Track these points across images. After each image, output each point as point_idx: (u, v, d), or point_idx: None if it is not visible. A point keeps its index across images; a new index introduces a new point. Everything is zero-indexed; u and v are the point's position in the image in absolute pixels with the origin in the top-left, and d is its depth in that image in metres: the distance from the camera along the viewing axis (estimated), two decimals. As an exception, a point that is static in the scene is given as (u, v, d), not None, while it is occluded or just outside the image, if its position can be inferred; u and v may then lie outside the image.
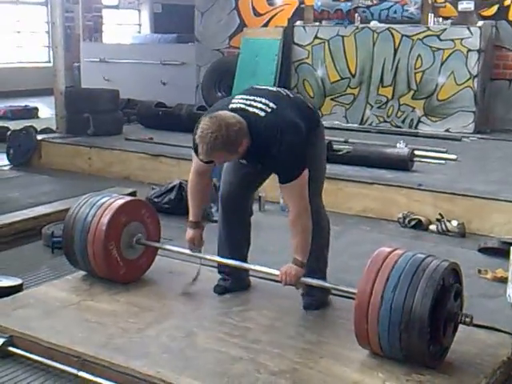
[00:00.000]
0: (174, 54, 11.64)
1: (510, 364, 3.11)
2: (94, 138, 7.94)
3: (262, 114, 3.21)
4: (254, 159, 3.34)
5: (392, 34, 8.82)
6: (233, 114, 3.18)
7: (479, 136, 8.39)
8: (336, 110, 9.31)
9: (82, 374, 3.01)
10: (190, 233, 3.66)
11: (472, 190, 5.52)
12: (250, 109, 3.23)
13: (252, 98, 3.30)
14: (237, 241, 3.74)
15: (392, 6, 9.12)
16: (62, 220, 4.19)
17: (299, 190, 3.21)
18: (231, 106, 3.27)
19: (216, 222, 4.05)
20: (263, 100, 3.27)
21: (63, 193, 6.20)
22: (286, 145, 3.14)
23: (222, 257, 3.72)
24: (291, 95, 3.50)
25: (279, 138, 3.14)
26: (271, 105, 3.25)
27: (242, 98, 3.32)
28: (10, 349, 3.22)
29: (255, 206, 4.46)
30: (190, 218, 3.64)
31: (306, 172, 3.21)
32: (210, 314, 3.56)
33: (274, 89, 3.55)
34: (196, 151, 3.34)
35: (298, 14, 10.10)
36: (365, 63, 9.06)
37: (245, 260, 3.73)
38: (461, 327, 3.03)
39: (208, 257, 3.70)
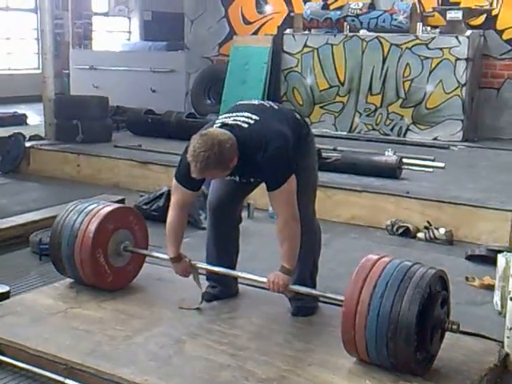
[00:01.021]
0: (163, 61, 11.66)
1: (497, 371, 3.12)
2: (83, 145, 7.93)
3: (245, 125, 3.26)
4: (242, 172, 3.35)
5: (381, 42, 8.87)
6: (223, 130, 3.20)
7: (467, 144, 8.44)
8: (325, 118, 9.35)
9: (68, 381, 2.99)
10: (178, 267, 3.60)
11: (460, 197, 5.55)
12: (233, 122, 3.27)
13: (234, 114, 3.36)
14: (225, 248, 3.74)
15: (381, 15, 9.17)
16: (50, 227, 4.17)
17: (287, 196, 3.22)
18: (216, 125, 3.30)
19: (204, 229, 4.06)
20: (246, 114, 3.32)
21: (51, 200, 6.18)
22: (271, 152, 3.17)
23: (210, 264, 3.71)
24: (276, 106, 3.53)
25: (264, 146, 3.17)
26: (254, 117, 3.30)
27: (225, 117, 3.37)
28: (-3, 356, 3.21)
29: (244, 213, 4.46)
30: (171, 254, 3.57)
31: (293, 179, 3.23)
32: (197, 322, 3.55)
33: (257, 102, 3.58)
34: (180, 182, 3.37)
35: (288, 22, 10.13)
36: (354, 71, 9.11)
37: (233, 267, 3.74)
38: (448, 334, 3.05)
39: (197, 264, 3.69)
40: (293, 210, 3.25)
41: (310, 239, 3.55)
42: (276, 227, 3.30)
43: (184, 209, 3.49)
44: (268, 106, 3.51)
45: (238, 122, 3.27)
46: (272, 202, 3.34)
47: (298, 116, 3.55)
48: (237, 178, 3.42)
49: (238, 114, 3.34)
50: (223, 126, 3.26)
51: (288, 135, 3.28)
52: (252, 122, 3.27)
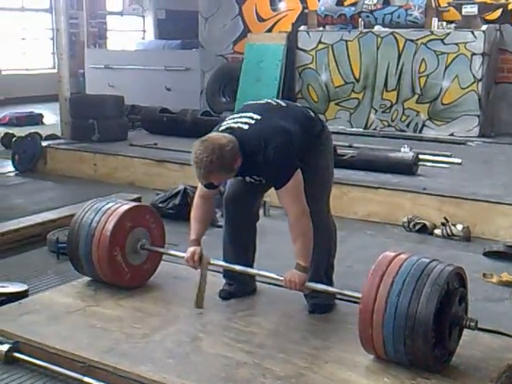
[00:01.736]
0: (178, 59, 11.70)
1: (516, 368, 3.10)
2: (99, 143, 7.96)
3: (246, 126, 3.26)
4: (248, 173, 3.35)
5: (396, 38, 8.83)
6: (223, 134, 3.22)
7: (484, 140, 8.38)
8: (340, 115, 9.32)
9: (87, 379, 3.01)
10: (190, 249, 3.56)
11: (477, 193, 5.52)
12: (235, 125, 3.28)
13: (238, 115, 3.37)
14: (242, 245, 3.74)
15: (396, 10, 9.13)
16: (67, 226, 4.19)
17: (293, 193, 3.22)
18: (220, 128, 3.32)
19: (221, 227, 4.05)
20: (248, 114, 3.33)
21: (68, 198, 6.22)
22: (270, 152, 3.16)
23: (227, 261, 3.71)
24: (284, 104, 3.52)
25: (263, 145, 3.17)
26: (255, 116, 3.29)
27: (229, 119, 3.39)
28: (16, 354, 3.23)
29: (260, 211, 4.45)
30: (192, 236, 3.56)
31: (297, 173, 3.22)
32: (214, 319, 3.55)
33: (264, 101, 3.55)
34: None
35: (302, 19, 10.11)
36: (369, 68, 9.08)
37: (251, 265, 3.73)
38: (466, 331, 3.03)
39: (213, 262, 3.69)
40: (301, 205, 3.24)
41: (325, 237, 3.54)
42: (288, 225, 3.30)
43: (207, 198, 3.50)
44: (275, 103, 3.49)
45: (240, 124, 3.27)
46: (280, 200, 3.33)
47: (311, 113, 3.52)
48: (246, 179, 3.42)
49: (241, 115, 3.36)
50: (226, 129, 3.27)
51: (291, 131, 3.26)
52: (253, 122, 3.27)
